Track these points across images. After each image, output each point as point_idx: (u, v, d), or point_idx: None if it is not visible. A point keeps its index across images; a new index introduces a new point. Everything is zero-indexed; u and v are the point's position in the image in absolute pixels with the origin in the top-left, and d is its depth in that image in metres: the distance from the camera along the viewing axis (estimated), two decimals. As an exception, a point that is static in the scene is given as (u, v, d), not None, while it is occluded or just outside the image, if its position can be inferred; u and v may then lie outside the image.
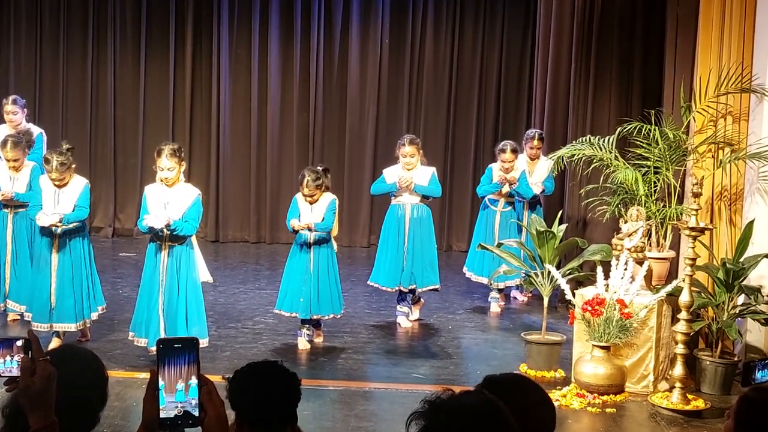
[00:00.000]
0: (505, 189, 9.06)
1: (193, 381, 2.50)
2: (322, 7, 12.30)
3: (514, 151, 9.01)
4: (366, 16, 12.34)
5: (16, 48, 12.49)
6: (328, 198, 7.66)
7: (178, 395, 2.50)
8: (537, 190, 9.21)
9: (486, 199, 9.32)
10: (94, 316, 7.50)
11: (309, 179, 7.52)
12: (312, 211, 7.60)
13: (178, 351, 2.51)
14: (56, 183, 7.23)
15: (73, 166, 7.34)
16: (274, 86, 12.47)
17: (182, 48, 12.48)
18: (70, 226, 7.24)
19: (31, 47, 12.48)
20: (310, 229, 7.51)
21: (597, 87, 9.21)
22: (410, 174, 8.41)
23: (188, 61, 12.48)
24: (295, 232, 7.58)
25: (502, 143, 9.21)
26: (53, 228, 7.21)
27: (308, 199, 7.58)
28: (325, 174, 7.66)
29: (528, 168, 9.28)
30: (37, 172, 7.77)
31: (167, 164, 6.90)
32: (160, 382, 2.49)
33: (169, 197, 6.95)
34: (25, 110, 9.01)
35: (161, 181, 6.97)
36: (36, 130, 8.89)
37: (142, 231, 7.12)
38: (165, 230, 6.84)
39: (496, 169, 9.13)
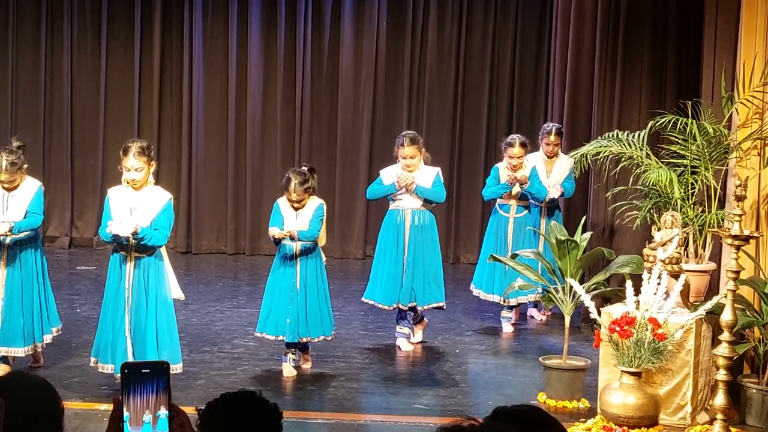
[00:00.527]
0: (515, 190, 9.04)
1: (163, 412, 2.48)
2: (310, -14, 12.35)
3: (524, 146, 9.00)
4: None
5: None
6: (314, 203, 7.65)
7: (144, 428, 2.48)
8: (555, 193, 9.21)
9: (497, 203, 9.30)
10: (48, 338, 7.46)
11: (296, 183, 7.49)
12: (297, 217, 7.58)
13: (145, 377, 2.49)
14: (5, 186, 7.21)
15: (25, 166, 7.32)
16: (254, 76, 12.48)
17: (149, 33, 12.49)
18: (21, 235, 7.21)
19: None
20: (293, 238, 7.47)
21: (625, 75, 9.21)
22: (412, 174, 8.40)
23: (156, 47, 12.49)
24: (277, 242, 7.54)
25: (510, 137, 9.23)
26: (1, 238, 7.16)
27: (294, 204, 7.55)
28: (311, 174, 7.63)
29: (545, 167, 9.28)
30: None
31: (135, 164, 6.88)
32: (125, 413, 2.47)
33: (137, 201, 6.92)
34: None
35: (127, 183, 6.95)
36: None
37: (105, 240, 7.09)
38: (131, 239, 6.81)
39: (503, 168, 9.11)
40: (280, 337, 7.64)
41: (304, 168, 7.74)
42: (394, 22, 12.43)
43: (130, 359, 6.77)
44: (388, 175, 8.53)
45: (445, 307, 8.76)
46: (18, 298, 7.24)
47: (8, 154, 7.19)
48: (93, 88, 12.59)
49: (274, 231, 7.51)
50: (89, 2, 12.44)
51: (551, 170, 9.32)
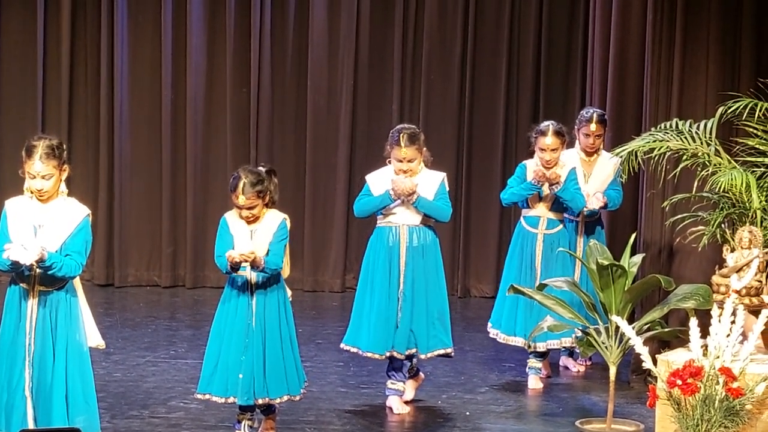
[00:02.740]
0: (545, 190, 9.06)
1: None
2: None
3: (559, 135, 9.00)
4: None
5: None
6: (275, 219, 7.61)
7: None
8: (596, 203, 9.22)
9: (521, 216, 9.34)
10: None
11: (245, 183, 7.47)
12: (252, 235, 7.58)
13: None
14: None
15: None
16: (196, 48, 12.54)
17: (55, 6, 12.52)
18: None
19: None
20: (255, 265, 7.44)
21: (686, 48, 9.27)
22: (409, 179, 8.36)
23: (65, 13, 12.53)
24: (235, 268, 7.52)
25: (542, 124, 9.19)
26: None
27: (246, 214, 7.53)
28: (269, 177, 7.63)
29: (583, 169, 9.31)
30: None
31: (42, 169, 6.89)
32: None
33: (43, 218, 6.93)
34: None
35: (31, 193, 6.96)
36: None
37: (1, 268, 7.11)
38: (35, 268, 6.84)
39: (531, 167, 9.13)
40: (231, 399, 7.64)
41: (260, 168, 7.72)
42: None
43: (31, 426, 6.79)
44: (378, 182, 8.50)
45: (453, 354, 8.79)
46: None
47: None
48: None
49: (231, 254, 7.44)
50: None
51: (591, 173, 9.35)
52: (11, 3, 12.57)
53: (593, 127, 9.35)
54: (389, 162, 8.45)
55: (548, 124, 9.11)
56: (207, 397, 7.68)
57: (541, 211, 9.22)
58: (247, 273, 7.52)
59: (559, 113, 11.74)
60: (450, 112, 12.53)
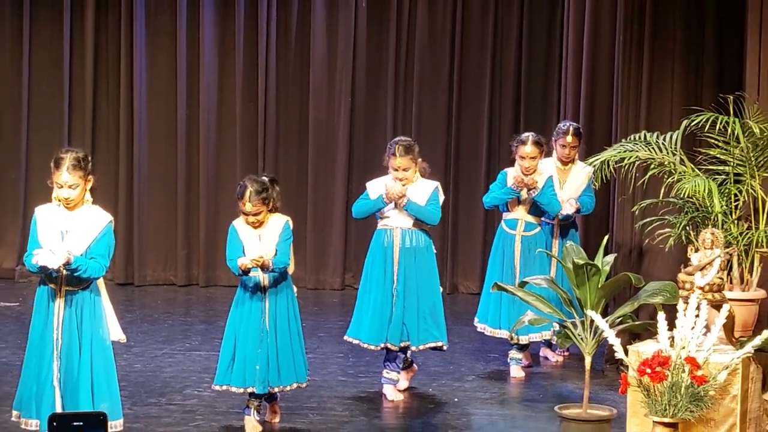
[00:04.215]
0: (524, 195, 9.07)
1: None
2: (274, -42, 12.42)
3: (537, 144, 9.03)
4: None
5: None
6: (279, 221, 7.63)
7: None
8: (570, 209, 9.23)
9: (502, 219, 9.35)
10: (-38, 390, 7.49)
11: (251, 191, 7.49)
12: (260, 239, 7.59)
13: (78, 431, 2.53)
14: None
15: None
16: (208, 67, 12.53)
17: (81, 16, 12.53)
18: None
19: None
20: (265, 268, 7.46)
21: (654, 64, 9.26)
22: (403, 186, 8.39)
23: (89, 34, 12.53)
24: (244, 273, 7.52)
25: (522, 135, 9.23)
26: None
27: (251, 220, 7.54)
28: (272, 186, 7.64)
29: (559, 177, 9.31)
30: None
31: (69, 180, 6.88)
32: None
33: (70, 224, 6.92)
34: None
35: (59, 201, 6.96)
36: None
37: (31, 270, 7.09)
38: (63, 270, 6.83)
39: (512, 174, 9.15)
40: (250, 389, 7.64)
41: (264, 177, 7.73)
42: (376, 2, 12.49)
43: (58, 412, 6.78)
44: (376, 188, 8.53)
45: (445, 347, 8.77)
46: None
47: None
48: (12, 84, 12.61)
49: (242, 261, 7.46)
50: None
51: (566, 180, 9.35)
52: (40, 29, 12.55)
53: (569, 138, 9.37)
54: (388, 171, 8.49)
55: (528, 135, 9.14)
56: (225, 388, 7.69)
57: (520, 214, 9.24)
58: (259, 275, 7.54)
59: (538, 126, 11.69)
60: (439, 125, 12.52)
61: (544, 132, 9.69)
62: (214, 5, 12.48)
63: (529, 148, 9.01)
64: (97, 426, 2.58)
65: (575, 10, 10.39)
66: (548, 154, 9.39)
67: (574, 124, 9.63)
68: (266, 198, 7.53)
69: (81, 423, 2.58)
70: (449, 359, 9.45)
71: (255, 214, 7.53)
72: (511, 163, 9.26)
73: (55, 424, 2.57)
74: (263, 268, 7.43)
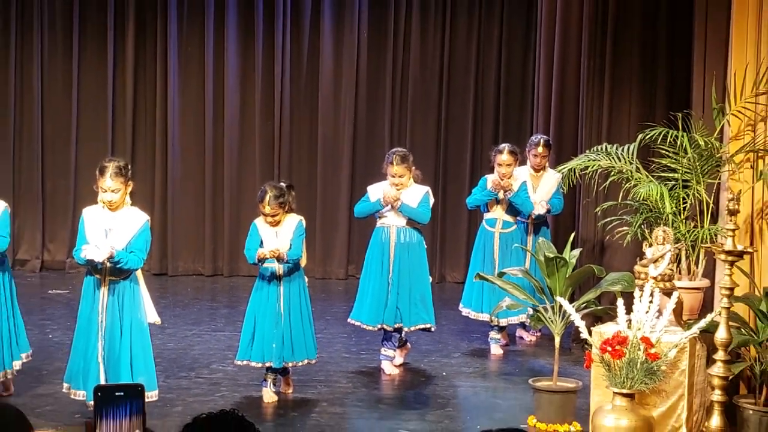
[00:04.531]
0: (501, 196, 9.08)
1: (137, 436, 2.50)
2: (288, -3, 12.39)
3: (512, 153, 9.06)
4: (340, 4, 12.42)
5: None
6: (293, 220, 7.66)
7: (118, 453, 2.49)
8: (541, 209, 9.23)
9: (483, 219, 9.35)
10: (18, 365, 7.45)
11: (270, 196, 7.51)
12: (277, 235, 7.59)
13: (119, 400, 2.51)
14: (-31, 209, 7.21)
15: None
16: (231, 90, 12.51)
17: (122, 46, 12.52)
18: (-13, 259, 7.20)
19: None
20: (280, 259, 7.47)
21: (614, 86, 9.25)
22: (398, 191, 8.41)
23: (129, 61, 12.51)
24: (260, 261, 7.53)
25: (500, 145, 9.27)
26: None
27: (269, 220, 7.56)
28: (289, 191, 7.65)
29: (532, 182, 9.31)
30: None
31: (111, 185, 6.88)
32: (98, 438, 2.48)
33: (112, 223, 6.92)
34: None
35: (104, 204, 6.95)
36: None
37: (79, 263, 7.08)
38: (106, 263, 6.82)
39: (491, 179, 9.15)
40: (267, 364, 7.64)
41: (282, 183, 7.77)
42: (375, 33, 12.48)
43: (102, 384, 6.76)
44: (375, 191, 8.56)
45: (433, 329, 8.76)
46: (-16, 325, 7.25)
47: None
48: (64, 104, 12.59)
49: (260, 252, 7.48)
50: (59, 14, 12.45)
51: (538, 185, 9.35)
52: (87, 56, 12.54)
53: (540, 149, 9.37)
54: (387, 177, 8.51)
55: (504, 146, 9.18)
56: (245, 363, 7.70)
57: (498, 213, 9.25)
58: (275, 265, 7.54)
59: (514, 138, 11.61)
60: (429, 138, 12.52)
61: (519, 143, 9.69)
62: (237, 38, 12.47)
63: (505, 157, 9.03)
64: (136, 396, 2.54)
65: (546, 42, 10.38)
66: (523, 162, 9.41)
67: (545, 137, 9.63)
68: (283, 202, 7.56)
69: (122, 393, 2.54)
70: (438, 339, 9.43)
71: (273, 215, 7.55)
72: (491, 170, 9.26)
73: (99, 394, 2.54)
74: (279, 259, 7.48)
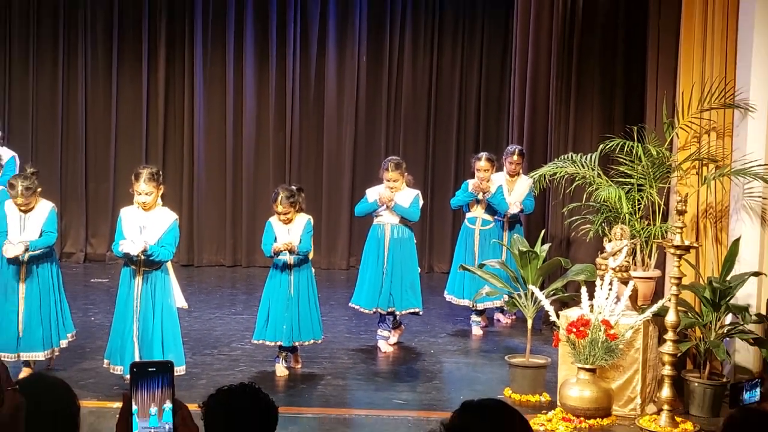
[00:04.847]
0: (480, 197, 9.09)
1: (167, 405, 2.48)
2: (298, 25, 12.35)
3: (490, 160, 9.06)
4: (342, 33, 12.40)
5: (-16, 69, 12.48)
6: (303, 219, 7.66)
7: (151, 420, 2.48)
8: (516, 209, 9.22)
9: (465, 218, 9.35)
10: (64, 343, 7.44)
11: (283, 197, 7.52)
12: (289, 232, 7.59)
13: (152, 374, 2.50)
14: (21, 208, 7.17)
15: (39, 190, 7.26)
16: (249, 106, 12.49)
17: (155, 67, 12.48)
18: (37, 252, 7.17)
19: (1, 68, 12.42)
20: (292, 251, 7.48)
21: (578, 103, 9.25)
22: (392, 193, 8.43)
23: (161, 80, 12.47)
24: (276, 254, 7.53)
25: (480, 153, 9.29)
26: (19, 256, 7.13)
27: (282, 218, 7.56)
28: (299, 193, 7.66)
29: (507, 186, 9.31)
30: (4, 196, 7.67)
31: (145, 188, 6.88)
32: (134, 407, 2.47)
33: (146, 221, 6.92)
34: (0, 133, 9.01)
35: (138, 205, 6.95)
36: (8, 154, 8.88)
37: (117, 255, 7.09)
38: (141, 256, 6.81)
39: (472, 182, 9.15)
40: (279, 342, 7.64)
41: (293, 186, 7.78)
42: (373, 57, 12.45)
43: (137, 361, 6.76)
44: (372, 194, 8.57)
45: (421, 312, 8.77)
46: (36, 308, 7.22)
47: (23, 180, 7.17)
48: (105, 117, 12.56)
49: (277, 245, 7.48)
50: (101, 39, 12.41)
51: (513, 189, 9.33)
52: (125, 75, 12.49)
53: (515, 157, 9.36)
54: (383, 181, 8.52)
55: (483, 154, 9.22)
56: (261, 342, 7.70)
57: (478, 213, 9.26)
58: (287, 257, 7.53)
59: (493, 148, 11.56)
60: (419, 148, 12.49)
61: (496, 152, 9.68)
62: (254, 62, 12.42)
63: (483, 163, 9.04)
64: (166, 371, 2.53)
65: (520, 65, 10.37)
66: (499, 168, 9.39)
67: (519, 147, 9.61)
68: (294, 202, 7.56)
69: (154, 369, 2.53)
70: (426, 321, 9.42)
71: (285, 214, 7.56)
72: (472, 175, 9.27)
73: (135, 369, 2.53)
74: (291, 252, 7.48)
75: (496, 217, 9.27)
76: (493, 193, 9.06)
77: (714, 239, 7.76)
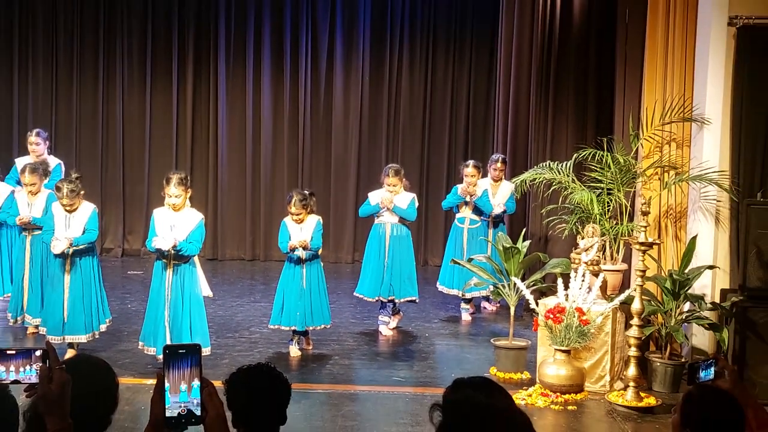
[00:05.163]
0: (468, 199, 9.11)
1: (196, 383, 2.50)
2: (309, 46, 12.36)
3: (476, 167, 9.09)
4: (348, 55, 12.41)
5: (34, 85, 12.48)
6: (314, 219, 7.67)
7: (181, 396, 2.50)
8: (499, 210, 9.23)
9: (455, 218, 9.37)
10: (103, 327, 7.47)
11: (296, 199, 7.54)
12: (301, 230, 7.61)
13: (182, 355, 2.51)
14: (66, 208, 7.21)
15: (82, 192, 7.29)
16: (266, 117, 12.50)
17: (183, 84, 12.50)
18: (80, 247, 7.20)
19: (48, 83, 12.46)
20: (305, 248, 7.51)
21: (555, 117, 9.27)
22: (392, 196, 8.45)
23: (189, 95, 12.49)
24: (291, 250, 7.55)
25: (467, 161, 9.32)
26: (64, 250, 7.16)
27: (295, 218, 7.57)
28: (311, 197, 7.67)
29: (491, 190, 9.32)
30: (52, 198, 7.73)
31: (175, 192, 6.90)
32: (166, 384, 2.49)
33: (176, 220, 6.94)
34: (47, 142, 9.04)
35: (169, 206, 6.97)
36: (54, 161, 8.90)
37: (150, 251, 7.11)
38: (171, 251, 6.83)
39: (461, 187, 9.18)
40: (293, 327, 7.65)
41: (305, 191, 7.79)
42: (375, 75, 12.46)
43: (169, 343, 6.78)
44: (374, 197, 8.58)
45: (417, 301, 8.78)
46: (79, 297, 7.24)
47: (69, 184, 7.21)
48: (139, 128, 12.57)
49: (292, 242, 7.50)
50: (136, 58, 12.43)
51: (496, 192, 9.34)
52: (158, 92, 12.50)
53: (498, 164, 9.37)
54: (384, 185, 8.52)
55: (470, 162, 9.24)
56: (276, 327, 7.70)
57: (466, 213, 9.27)
58: (301, 253, 7.54)
59: (480, 156, 11.59)
60: (415, 156, 12.49)
61: (482, 160, 9.69)
62: (270, 78, 12.42)
63: (470, 170, 9.06)
64: (195, 352, 2.55)
65: (504, 83, 10.38)
66: (485, 174, 9.40)
67: (502, 155, 9.62)
68: (306, 204, 7.56)
69: (184, 350, 2.54)
70: (421, 308, 9.44)
71: (298, 214, 7.55)
72: (461, 181, 9.29)
73: (167, 351, 2.55)
74: (304, 248, 7.48)
75: (482, 217, 9.28)
76: (479, 196, 9.08)
77: (674, 237, 7.78)
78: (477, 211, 9.21)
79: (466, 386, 2.67)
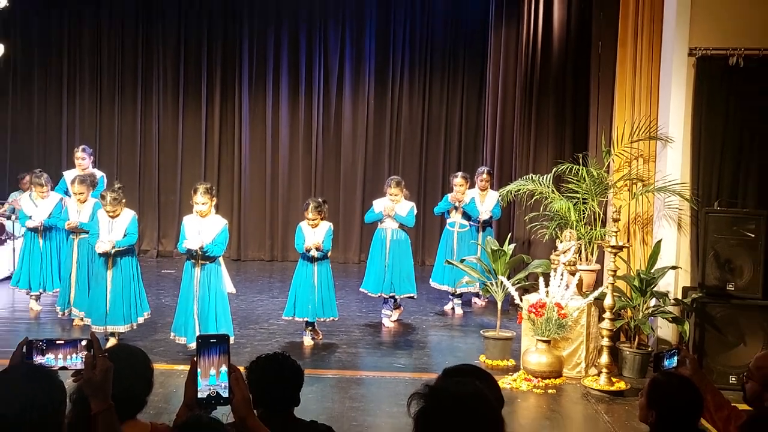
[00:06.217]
0: (457, 205, 9.10)
1: (224, 368, 2.51)
2: (321, 75, 12.39)
3: (464, 178, 9.10)
4: (355, 83, 12.43)
5: (81, 107, 12.54)
6: (326, 225, 7.67)
7: (211, 379, 2.51)
8: (486, 216, 9.22)
9: (447, 223, 9.36)
10: (141, 320, 7.48)
11: (312, 206, 7.54)
12: (314, 234, 7.60)
13: (212, 344, 2.52)
14: (110, 214, 7.23)
15: (123, 200, 7.32)
16: (283, 136, 12.52)
17: (212, 108, 12.52)
18: (121, 248, 7.22)
19: (93, 106, 12.51)
20: (318, 249, 7.51)
21: (537, 135, 9.27)
22: (393, 205, 8.46)
23: (216, 118, 12.51)
24: (307, 251, 7.55)
25: (457, 173, 9.32)
26: (108, 251, 7.18)
27: (310, 223, 7.57)
28: (324, 204, 7.67)
29: (479, 198, 9.32)
30: (98, 206, 7.75)
31: (201, 200, 6.90)
32: (198, 369, 2.50)
33: (203, 226, 6.94)
34: (92, 157, 9.08)
35: (197, 213, 6.97)
36: (98, 173, 8.95)
37: (181, 252, 7.10)
38: (199, 252, 6.83)
39: (451, 196, 9.18)
40: (305, 319, 7.64)
41: (320, 199, 7.78)
42: (379, 100, 12.47)
43: (201, 334, 6.77)
44: (378, 205, 8.58)
45: (415, 296, 8.77)
46: (120, 292, 7.25)
47: (112, 193, 7.24)
48: (172, 145, 12.60)
49: (307, 244, 7.49)
50: (170, 84, 12.47)
51: (483, 201, 9.33)
52: (189, 112, 12.54)
53: (484, 176, 9.36)
54: (386, 195, 8.52)
55: (459, 173, 9.26)
56: (291, 318, 7.69)
57: (456, 218, 9.25)
58: (314, 253, 7.53)
59: (470, 168, 11.55)
60: (414, 169, 12.49)
61: (472, 173, 9.68)
62: (288, 102, 12.44)
63: (459, 180, 9.06)
64: (224, 342, 2.56)
65: (491, 104, 10.40)
66: (473, 185, 9.38)
67: (487, 168, 9.60)
68: (320, 210, 7.57)
69: (214, 340, 2.56)
70: (419, 303, 9.42)
71: (313, 220, 7.55)
72: (451, 190, 9.28)
73: (200, 340, 2.56)
74: (317, 249, 7.47)
75: (470, 222, 9.27)
76: (467, 203, 9.08)
77: (641, 241, 7.77)
78: (466, 216, 9.20)
79: (457, 373, 2.66)
